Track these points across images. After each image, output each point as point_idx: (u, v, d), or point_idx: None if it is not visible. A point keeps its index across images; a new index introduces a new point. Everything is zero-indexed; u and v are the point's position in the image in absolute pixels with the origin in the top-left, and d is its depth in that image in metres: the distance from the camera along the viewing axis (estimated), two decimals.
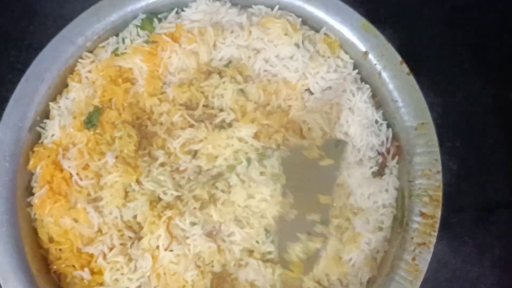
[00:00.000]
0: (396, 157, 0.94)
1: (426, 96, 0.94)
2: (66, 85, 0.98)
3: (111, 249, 0.85)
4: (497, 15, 1.23)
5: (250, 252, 0.86)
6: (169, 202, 0.87)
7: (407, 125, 0.93)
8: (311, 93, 0.97)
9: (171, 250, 0.84)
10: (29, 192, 0.92)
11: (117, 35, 1.01)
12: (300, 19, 1.01)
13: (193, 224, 0.84)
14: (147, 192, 0.86)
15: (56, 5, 1.19)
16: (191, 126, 0.91)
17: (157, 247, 0.84)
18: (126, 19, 1.01)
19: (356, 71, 1.00)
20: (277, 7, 1.01)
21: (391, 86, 0.95)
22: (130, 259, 0.85)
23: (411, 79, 0.94)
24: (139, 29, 1.00)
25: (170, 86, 0.95)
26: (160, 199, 0.87)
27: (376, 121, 0.96)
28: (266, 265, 0.84)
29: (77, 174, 0.88)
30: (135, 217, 0.87)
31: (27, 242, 0.88)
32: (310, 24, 1.02)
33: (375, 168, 0.93)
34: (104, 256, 0.86)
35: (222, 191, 0.87)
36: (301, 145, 0.87)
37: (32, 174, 0.93)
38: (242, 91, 0.93)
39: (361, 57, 0.98)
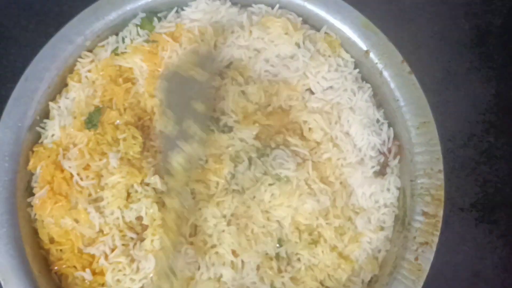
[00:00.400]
0: (398, 157, 0.94)
1: (426, 94, 0.93)
2: (65, 85, 0.97)
3: (112, 250, 0.85)
4: (498, 13, 1.23)
5: None
6: None
7: (409, 124, 0.92)
8: (312, 93, 0.96)
9: None
10: (29, 192, 0.92)
11: (116, 34, 1.00)
12: (300, 19, 1.00)
13: None
14: (151, 194, 0.86)
15: (55, 4, 1.18)
16: None
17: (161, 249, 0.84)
18: (125, 18, 1.00)
19: (357, 70, 0.99)
20: (277, 6, 1.01)
21: (392, 85, 0.94)
22: (132, 260, 0.84)
23: (412, 78, 0.94)
24: (139, 28, 0.99)
25: None
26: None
27: (377, 120, 0.96)
28: None
29: (78, 174, 0.88)
30: (137, 218, 0.86)
31: (28, 242, 0.87)
32: (310, 23, 1.02)
33: (377, 168, 0.93)
34: (106, 256, 0.85)
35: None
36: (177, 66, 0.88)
37: (32, 174, 0.92)
38: (243, 92, 0.92)
39: (362, 56, 0.98)
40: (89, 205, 0.86)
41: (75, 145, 0.90)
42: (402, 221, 0.90)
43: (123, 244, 0.85)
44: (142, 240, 0.86)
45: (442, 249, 0.86)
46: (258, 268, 0.86)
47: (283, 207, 0.87)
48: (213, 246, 0.86)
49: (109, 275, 0.84)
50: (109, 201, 0.86)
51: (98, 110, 0.91)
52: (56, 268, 0.89)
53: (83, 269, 0.86)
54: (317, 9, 1.00)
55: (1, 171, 0.88)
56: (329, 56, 0.97)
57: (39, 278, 0.86)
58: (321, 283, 0.88)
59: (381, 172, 0.93)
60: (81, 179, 0.88)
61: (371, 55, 0.96)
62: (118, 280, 0.84)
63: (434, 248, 0.85)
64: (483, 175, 1.11)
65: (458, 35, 1.21)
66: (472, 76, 1.17)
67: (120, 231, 0.86)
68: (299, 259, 0.88)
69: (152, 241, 0.84)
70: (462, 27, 1.21)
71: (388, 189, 0.92)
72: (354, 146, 0.93)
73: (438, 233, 0.85)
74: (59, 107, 0.95)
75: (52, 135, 0.93)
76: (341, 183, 0.91)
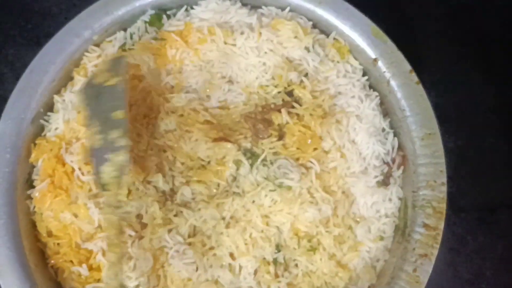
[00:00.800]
0: (402, 167, 0.93)
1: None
2: (71, 78, 0.97)
3: None
4: (499, 13, 1.22)
5: None
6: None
7: (414, 134, 0.91)
8: None
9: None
10: (29, 185, 0.91)
11: (124, 30, 1.00)
12: (311, 23, 1.00)
13: None
14: (152, 193, 0.86)
15: (54, 4, 1.18)
16: None
17: (159, 248, 0.83)
18: (134, 14, 1.00)
19: (366, 77, 0.98)
20: (288, 8, 1.00)
21: (399, 95, 0.94)
22: (130, 258, 0.84)
23: (420, 88, 0.93)
24: (147, 25, 0.99)
25: None
26: (165, 200, 0.87)
27: (383, 129, 0.95)
28: None
29: (79, 169, 0.87)
30: (137, 216, 0.86)
31: (25, 235, 0.87)
32: (320, 27, 1.01)
33: (380, 178, 0.92)
34: (104, 252, 0.85)
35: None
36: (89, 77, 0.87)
37: (33, 166, 0.92)
38: None
39: (370, 63, 0.97)
40: (89, 201, 0.86)
41: (78, 139, 0.90)
42: (402, 232, 0.90)
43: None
44: (141, 238, 0.85)
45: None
46: (255, 272, 0.86)
47: (283, 213, 0.86)
48: (211, 248, 0.86)
49: (105, 271, 0.83)
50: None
51: None
52: (52, 262, 0.88)
53: (80, 264, 0.86)
54: (327, 15, 0.99)
55: (2, 162, 0.88)
56: (338, 62, 0.97)
57: (35, 271, 0.85)
58: None
59: (384, 183, 0.92)
60: (83, 174, 0.87)
61: (379, 63, 0.96)
62: None
63: (433, 261, 0.84)
64: (483, 175, 1.10)
65: (459, 35, 1.19)
66: (472, 76, 1.17)
67: None
68: (296, 265, 0.88)
69: (150, 239, 0.84)
70: (463, 27, 1.20)
71: (390, 199, 0.92)
72: (359, 155, 0.92)
73: (438, 246, 0.85)
74: (64, 100, 0.95)
75: (56, 129, 0.93)
76: (343, 192, 0.90)
